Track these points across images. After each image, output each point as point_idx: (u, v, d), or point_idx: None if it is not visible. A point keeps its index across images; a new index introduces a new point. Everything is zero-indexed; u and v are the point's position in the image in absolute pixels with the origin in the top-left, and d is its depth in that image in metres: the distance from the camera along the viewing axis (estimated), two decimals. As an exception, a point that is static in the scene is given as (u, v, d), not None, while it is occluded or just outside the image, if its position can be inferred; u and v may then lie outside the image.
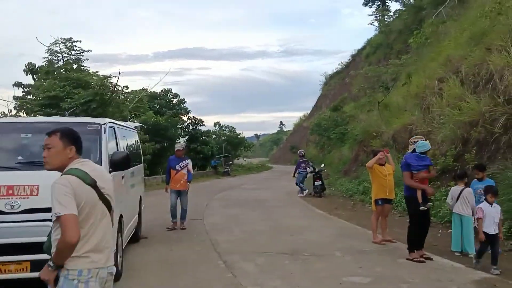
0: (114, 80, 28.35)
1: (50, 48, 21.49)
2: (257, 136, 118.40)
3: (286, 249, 8.15)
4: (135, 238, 8.69)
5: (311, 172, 19.32)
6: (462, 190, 7.79)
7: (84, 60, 22.20)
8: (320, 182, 18.68)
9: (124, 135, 7.88)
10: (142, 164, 10.14)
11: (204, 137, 45.54)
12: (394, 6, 61.25)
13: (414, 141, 7.77)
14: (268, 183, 27.88)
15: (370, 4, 66.05)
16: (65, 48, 21.81)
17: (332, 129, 41.28)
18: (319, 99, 75.68)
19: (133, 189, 8.18)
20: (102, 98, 19.73)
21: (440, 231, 10.02)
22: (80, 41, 21.88)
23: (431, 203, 8.88)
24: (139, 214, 8.92)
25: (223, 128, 52.74)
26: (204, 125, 45.34)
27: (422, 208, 7.62)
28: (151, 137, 34.03)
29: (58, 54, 21.64)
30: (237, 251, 8.02)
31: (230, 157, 43.67)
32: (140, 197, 9.16)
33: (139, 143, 10.02)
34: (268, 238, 9.28)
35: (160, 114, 38.93)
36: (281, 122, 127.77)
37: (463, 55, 16.44)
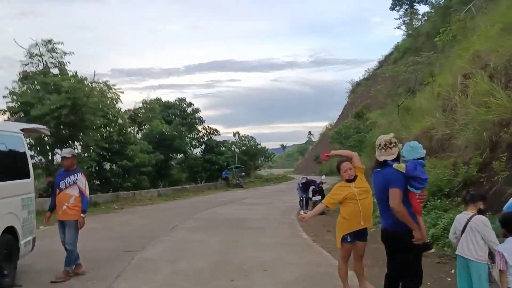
0: (103, 84, 26.57)
1: (30, 51, 19.32)
2: (283, 147, 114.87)
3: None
4: (-1, 287, 5.90)
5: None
6: (470, 218, 4.61)
7: (67, 63, 19.83)
8: (319, 197, 15.53)
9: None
10: (29, 180, 7.01)
11: (220, 147, 42.99)
12: (423, 9, 57.95)
13: (393, 142, 4.69)
14: (276, 196, 24.88)
15: (397, 8, 62.83)
16: (46, 51, 19.58)
17: (352, 137, 38.02)
18: (345, 108, 72.33)
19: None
20: (76, 104, 17.27)
21: (452, 271, 6.83)
22: (62, 43, 19.58)
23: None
24: (6, 254, 6.04)
25: (242, 138, 50.03)
26: (220, 134, 42.80)
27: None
28: (156, 147, 31.68)
29: (38, 57, 19.39)
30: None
31: (242, 168, 40.70)
32: (12, 228, 6.21)
33: (23, 151, 6.99)
34: (194, 286, 6.32)
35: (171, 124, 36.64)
36: (309, 132, 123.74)
37: (493, 49, 13.50)
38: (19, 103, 17.91)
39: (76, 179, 6.94)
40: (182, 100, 42.25)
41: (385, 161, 4.60)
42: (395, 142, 4.68)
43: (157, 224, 13.16)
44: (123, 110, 30.06)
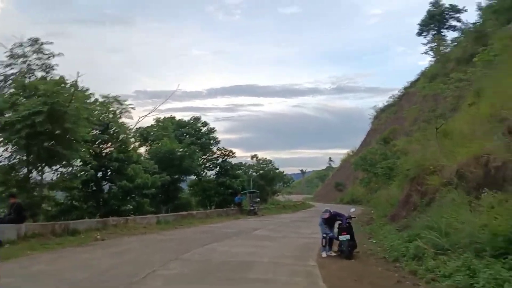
0: (112, 99, 23.56)
1: (12, 52, 16.34)
2: (302, 172, 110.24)
3: None
4: None
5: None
6: None
7: (54, 66, 16.75)
8: (347, 236, 11.74)
9: None
10: None
11: (235, 170, 39.43)
12: (451, 35, 54.91)
13: None
14: (292, 228, 21.08)
15: (424, 34, 59.74)
16: (32, 51, 16.58)
17: (379, 164, 34.02)
18: (368, 134, 68.65)
19: None
20: (54, 110, 14.00)
21: None
22: (52, 42, 16.55)
23: None
24: None
25: (260, 162, 46.36)
26: (235, 157, 39.26)
27: None
28: (164, 168, 28.30)
29: (21, 58, 16.36)
30: None
31: (258, 193, 36.79)
32: None
33: None
34: None
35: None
36: (330, 158, 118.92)
37: None
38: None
39: None
40: (197, 119, 39.11)
41: None
42: None
43: (129, 267, 9.54)
44: (134, 128, 27.14)
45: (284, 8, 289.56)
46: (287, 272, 9.46)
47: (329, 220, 12.40)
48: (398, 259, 10.93)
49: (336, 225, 12.44)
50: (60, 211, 21.19)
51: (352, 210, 13.24)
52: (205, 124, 39.11)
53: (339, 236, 11.88)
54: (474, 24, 43.24)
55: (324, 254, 12.07)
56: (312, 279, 8.87)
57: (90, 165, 21.01)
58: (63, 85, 14.82)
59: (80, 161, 19.71)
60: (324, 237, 12.25)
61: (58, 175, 18.81)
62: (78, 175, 20.62)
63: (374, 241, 15.68)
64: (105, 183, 23.76)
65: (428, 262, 9.15)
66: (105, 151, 23.16)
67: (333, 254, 12.15)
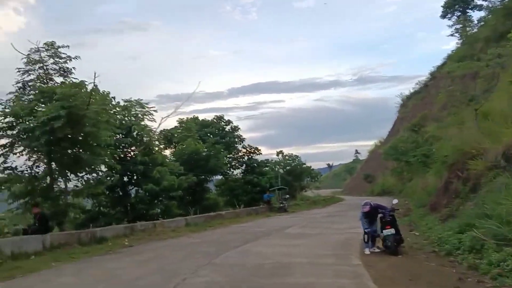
0: (135, 102, 22.96)
1: (30, 57, 15.80)
2: (329, 166, 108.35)
3: None
4: None
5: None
6: None
7: (71, 69, 16.15)
8: (392, 231, 10.68)
9: None
10: None
11: (262, 168, 38.57)
12: (477, 14, 52.69)
13: None
14: (326, 223, 20.02)
15: (448, 16, 57.55)
16: (48, 56, 16.03)
17: (411, 152, 32.55)
18: (395, 123, 66.68)
19: None
20: (72, 114, 13.35)
21: None
22: (68, 46, 15.93)
23: None
24: None
25: (286, 158, 45.31)
26: (261, 153, 38.37)
27: None
28: (190, 169, 27.63)
29: (38, 64, 15.79)
30: None
31: (286, 189, 35.76)
32: None
33: None
34: None
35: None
36: (356, 150, 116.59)
37: None
38: (7, 116, 14.20)
39: None
40: (220, 118, 38.38)
41: None
42: None
43: (157, 277, 8.73)
44: (157, 130, 26.56)
45: (299, 2, 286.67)
46: (330, 274, 8.48)
47: (370, 214, 11.35)
48: (452, 253, 9.84)
49: (379, 218, 11.38)
50: (87, 218, 20.77)
51: (395, 201, 12.14)
52: (228, 122, 38.41)
53: (383, 231, 10.84)
54: (501, 1, 41.17)
55: (367, 251, 11.05)
56: (360, 280, 7.88)
57: (115, 170, 20.50)
58: (83, 90, 14.13)
59: (105, 167, 19.09)
60: (366, 232, 11.21)
61: (84, 182, 18.30)
62: (104, 180, 20.12)
63: (417, 234, 14.56)
64: (131, 188, 23.27)
65: (491, 255, 8.04)
66: (129, 155, 22.63)
67: (377, 250, 11.12)
